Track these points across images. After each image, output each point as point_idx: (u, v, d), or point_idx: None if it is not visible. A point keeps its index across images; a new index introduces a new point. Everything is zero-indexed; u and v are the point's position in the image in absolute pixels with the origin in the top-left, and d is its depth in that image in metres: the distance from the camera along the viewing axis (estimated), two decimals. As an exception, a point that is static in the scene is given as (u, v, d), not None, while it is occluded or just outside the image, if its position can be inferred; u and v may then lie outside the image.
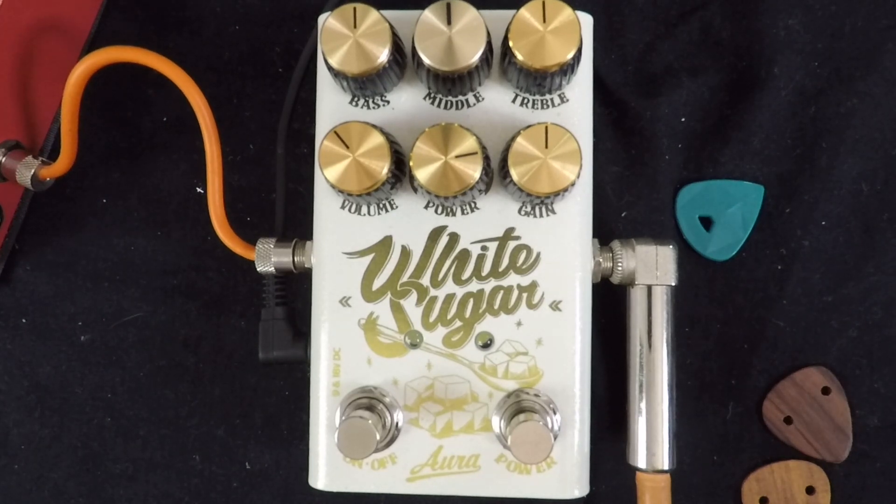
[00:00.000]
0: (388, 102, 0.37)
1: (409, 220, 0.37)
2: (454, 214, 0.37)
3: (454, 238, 0.37)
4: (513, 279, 0.37)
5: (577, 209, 0.37)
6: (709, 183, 0.45)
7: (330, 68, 0.34)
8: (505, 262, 0.37)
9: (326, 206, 0.37)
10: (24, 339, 0.47)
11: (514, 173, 0.33)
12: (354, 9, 0.33)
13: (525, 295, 0.37)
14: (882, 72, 0.44)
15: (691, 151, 0.45)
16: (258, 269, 0.40)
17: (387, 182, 0.34)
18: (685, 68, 0.45)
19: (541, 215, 0.37)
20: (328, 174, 0.34)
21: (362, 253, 0.37)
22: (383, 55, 0.33)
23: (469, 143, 0.33)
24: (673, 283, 0.39)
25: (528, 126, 0.33)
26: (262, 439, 0.46)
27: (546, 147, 0.33)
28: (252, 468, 0.46)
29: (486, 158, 0.34)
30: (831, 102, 0.45)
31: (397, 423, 0.37)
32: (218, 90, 0.43)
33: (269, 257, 0.39)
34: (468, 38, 0.33)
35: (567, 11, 0.33)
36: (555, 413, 0.36)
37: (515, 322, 0.37)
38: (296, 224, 0.43)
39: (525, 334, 0.37)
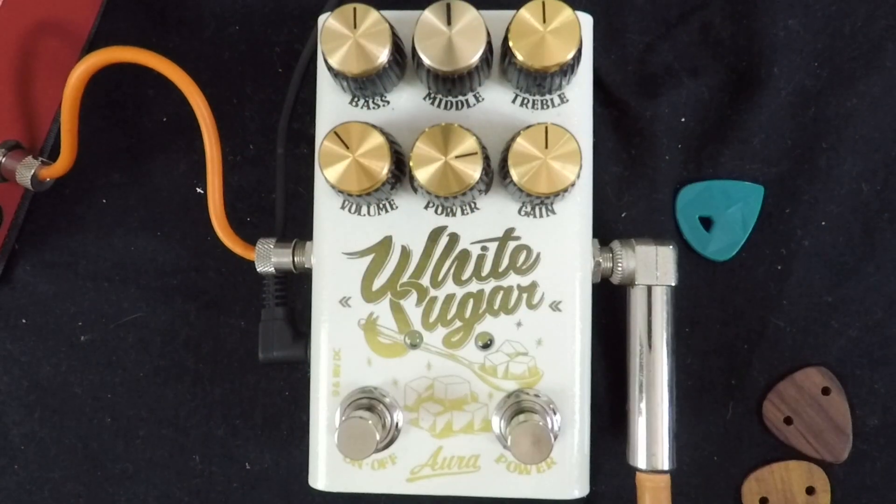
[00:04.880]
0: (388, 102, 0.37)
1: (409, 221, 0.37)
2: (454, 214, 0.37)
3: (454, 238, 0.37)
4: (513, 279, 0.37)
5: (577, 209, 0.37)
6: (709, 183, 0.45)
7: (330, 68, 0.34)
8: (505, 262, 0.37)
9: (326, 207, 0.37)
10: (24, 339, 0.47)
11: (514, 174, 0.33)
12: (354, 9, 0.33)
13: (525, 295, 0.37)
14: (882, 72, 0.44)
15: (691, 151, 0.45)
16: (258, 270, 0.40)
17: (387, 182, 0.34)
18: (685, 68, 0.45)
19: (541, 215, 0.37)
20: (328, 174, 0.34)
21: (362, 253, 0.37)
22: (383, 55, 0.33)
23: (469, 144, 0.33)
24: (673, 284, 0.39)
25: (528, 126, 0.33)
26: (262, 439, 0.46)
27: (546, 147, 0.33)
28: (252, 468, 0.46)
29: (486, 158, 0.34)
30: (831, 102, 0.45)
31: (397, 424, 0.37)
32: (218, 90, 0.43)
33: (268, 257, 0.39)
34: (468, 38, 0.33)
35: (567, 11, 0.33)
36: (555, 413, 0.36)
37: (515, 322, 0.37)
38: (296, 224, 0.43)
39: (525, 334, 0.37)
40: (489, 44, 0.34)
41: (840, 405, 0.44)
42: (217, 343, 0.46)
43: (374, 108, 0.37)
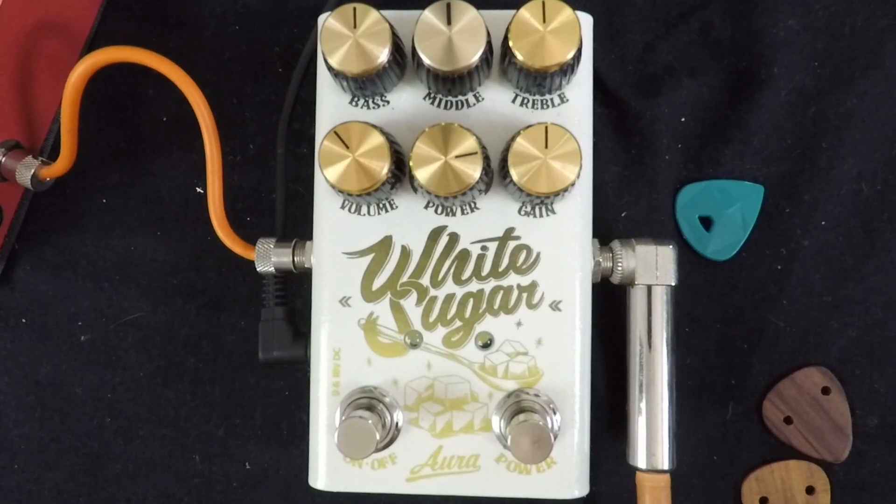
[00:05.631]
0: (388, 102, 0.37)
1: (409, 220, 0.37)
2: (454, 214, 0.37)
3: (454, 238, 0.37)
4: (513, 279, 0.37)
5: (577, 209, 0.37)
6: (709, 183, 0.45)
7: (330, 68, 0.34)
8: (505, 262, 0.37)
9: (326, 206, 0.37)
10: (24, 339, 0.47)
11: (514, 173, 0.33)
12: (354, 9, 0.33)
13: (525, 295, 0.37)
14: (882, 72, 0.44)
15: (691, 151, 0.45)
16: (258, 269, 0.40)
17: (387, 182, 0.34)
18: (685, 68, 0.45)
19: (541, 215, 0.37)
20: (328, 174, 0.34)
21: (362, 253, 0.37)
22: (383, 55, 0.33)
23: (469, 143, 0.33)
24: (673, 283, 0.39)
25: (528, 126, 0.33)
26: (262, 439, 0.46)
27: (546, 147, 0.33)
28: (252, 468, 0.46)
29: (486, 158, 0.34)
30: (831, 102, 0.45)
31: (397, 423, 0.37)
32: (218, 90, 0.43)
33: (268, 257, 0.39)
34: (468, 38, 0.33)
35: (567, 11, 0.33)
36: (555, 413, 0.36)
37: (515, 322, 0.37)
38: (296, 224, 0.43)
39: (525, 334, 0.37)
40: (489, 44, 0.34)
41: (840, 405, 0.44)
42: (217, 343, 0.46)
43: (374, 107, 0.37)
